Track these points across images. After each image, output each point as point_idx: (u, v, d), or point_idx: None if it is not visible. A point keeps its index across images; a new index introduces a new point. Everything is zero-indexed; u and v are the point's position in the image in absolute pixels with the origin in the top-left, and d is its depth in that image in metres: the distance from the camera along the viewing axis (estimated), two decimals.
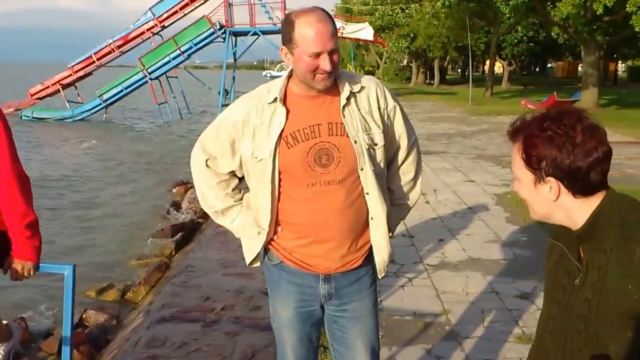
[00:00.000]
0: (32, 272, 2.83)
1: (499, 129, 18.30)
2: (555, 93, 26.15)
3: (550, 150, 1.48)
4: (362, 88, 2.32)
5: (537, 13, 26.09)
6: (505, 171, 10.88)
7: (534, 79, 60.82)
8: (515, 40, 48.73)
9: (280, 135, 2.24)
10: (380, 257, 2.41)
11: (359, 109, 2.29)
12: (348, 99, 2.27)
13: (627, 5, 18.54)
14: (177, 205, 10.22)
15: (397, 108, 2.41)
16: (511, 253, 6.11)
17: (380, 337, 4.16)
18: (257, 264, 2.51)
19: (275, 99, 2.25)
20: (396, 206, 2.51)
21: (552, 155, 1.48)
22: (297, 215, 2.32)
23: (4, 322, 3.01)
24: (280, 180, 2.29)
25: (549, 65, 76.82)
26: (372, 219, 2.34)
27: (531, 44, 50.39)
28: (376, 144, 2.31)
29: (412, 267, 5.67)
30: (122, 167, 15.46)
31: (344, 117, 2.26)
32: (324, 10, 2.19)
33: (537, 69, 76.52)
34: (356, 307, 2.44)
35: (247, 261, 2.50)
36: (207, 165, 2.43)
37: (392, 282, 5.26)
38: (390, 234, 2.48)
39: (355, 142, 2.25)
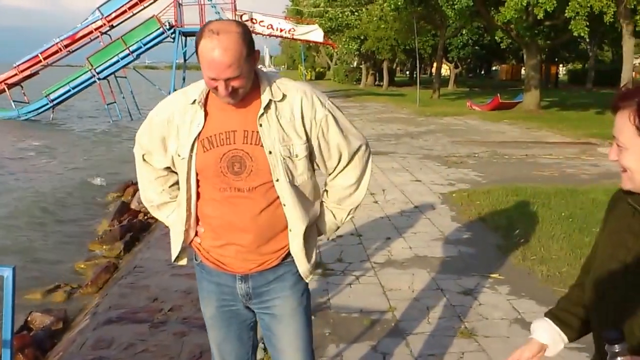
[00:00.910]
0: None
1: (446, 130, 18.66)
2: (498, 95, 26.86)
3: None
4: (285, 96, 2.21)
5: (482, 17, 26.61)
6: (450, 171, 11.12)
7: (479, 81, 62.00)
8: (461, 44, 49.72)
9: (198, 137, 2.21)
10: (300, 267, 2.37)
11: (278, 118, 2.19)
12: (267, 107, 2.18)
13: (567, 11, 19.13)
14: (126, 206, 10.10)
15: (330, 117, 2.28)
16: (456, 250, 6.26)
17: (327, 334, 4.25)
18: (183, 262, 2.52)
19: (195, 100, 2.22)
20: (331, 211, 2.45)
21: None
22: (212, 216, 2.32)
23: None
24: (198, 180, 2.29)
25: (493, 68, 78.41)
26: (290, 230, 2.29)
27: (476, 47, 51.50)
28: (296, 155, 2.22)
29: (360, 265, 5.76)
30: (69, 167, 15.18)
31: (260, 125, 2.17)
32: (234, 31, 2.03)
33: (483, 72, 78.04)
34: (278, 306, 2.40)
35: (172, 258, 2.49)
36: (144, 160, 2.44)
37: (340, 280, 5.35)
38: (328, 237, 2.52)
39: (270, 152, 2.18)
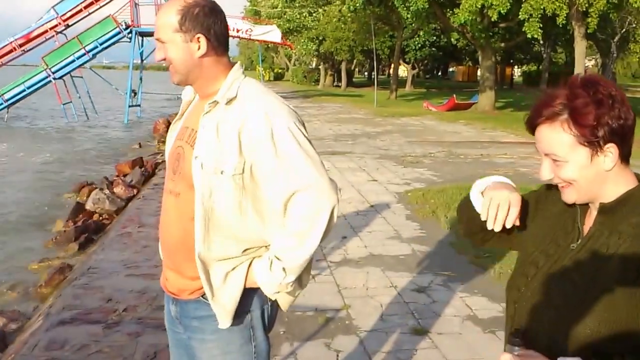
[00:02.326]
0: None
1: (403, 130, 18.88)
2: (454, 96, 27.32)
3: (604, 114, 1.36)
4: (233, 100, 1.95)
5: (437, 19, 27.01)
6: (406, 170, 11.27)
7: (436, 83, 62.90)
8: (418, 45, 50.28)
9: (179, 124, 2.18)
10: (209, 301, 1.99)
11: (218, 124, 1.93)
12: (211, 106, 1.96)
13: (520, 13, 19.53)
14: (81, 207, 9.95)
15: (267, 141, 1.90)
16: (410, 249, 6.37)
17: (281, 333, 4.29)
18: None
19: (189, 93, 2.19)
20: (269, 259, 1.96)
21: (606, 118, 1.36)
22: None
23: None
24: None
25: (450, 69, 79.52)
26: (196, 255, 1.95)
27: (433, 48, 52.15)
28: (221, 172, 1.90)
29: (315, 264, 5.79)
30: (23, 167, 14.86)
31: (202, 127, 1.96)
32: (179, 1, 1.95)
33: (440, 73, 79.03)
34: (197, 349, 2.09)
35: None
36: None
37: (291, 287, 5.37)
38: (268, 294, 2.01)
39: (196, 158, 1.93)
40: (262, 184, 1.94)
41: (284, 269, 1.93)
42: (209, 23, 1.94)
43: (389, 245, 6.49)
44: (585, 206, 1.49)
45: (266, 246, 2.02)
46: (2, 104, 27.61)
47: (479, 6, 20.29)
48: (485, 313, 4.70)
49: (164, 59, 1.97)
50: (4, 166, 15.14)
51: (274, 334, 4.28)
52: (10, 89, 27.75)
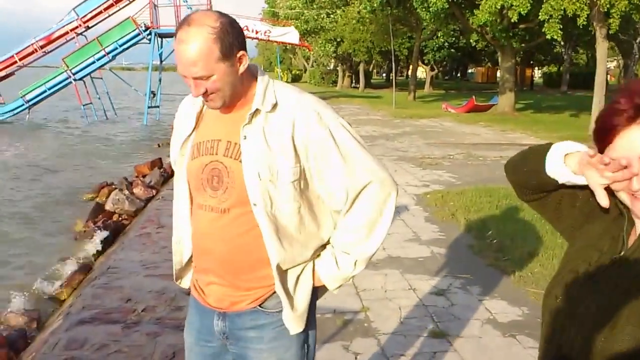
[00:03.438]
0: None
1: (421, 132, 18.79)
2: (474, 97, 27.12)
3: None
4: (276, 106, 1.90)
5: (457, 20, 26.87)
6: (425, 172, 11.22)
7: (455, 84, 62.56)
8: (437, 46, 50.07)
9: (187, 141, 2.03)
10: (284, 309, 1.99)
11: (264, 131, 1.87)
12: (253, 116, 1.88)
13: (540, 14, 19.36)
14: (100, 207, 10.03)
15: (329, 141, 1.89)
16: (429, 251, 6.33)
17: None
18: (184, 284, 2.24)
19: (197, 104, 2.05)
20: (335, 257, 2.01)
21: None
22: (193, 235, 2.08)
23: None
24: (191, 193, 2.06)
25: (469, 70, 79.17)
26: (275, 265, 1.95)
27: (452, 49, 51.93)
28: (279, 179, 1.87)
29: None
30: (44, 168, 15.01)
31: (244, 138, 1.88)
32: (208, 25, 1.78)
33: (459, 74, 78.72)
34: (252, 359, 2.06)
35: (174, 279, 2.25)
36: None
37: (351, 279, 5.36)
38: (332, 290, 2.07)
39: (250, 170, 1.87)
40: (327, 184, 1.95)
41: (355, 262, 1.99)
42: (239, 36, 1.85)
43: (407, 247, 6.46)
44: (632, 218, 1.43)
45: (323, 246, 2.05)
46: (23, 104, 27.97)
47: (499, 7, 20.14)
48: (505, 317, 4.66)
49: (214, 92, 1.85)
50: (25, 166, 15.29)
51: None
52: (32, 90, 28.09)
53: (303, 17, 43.08)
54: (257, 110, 1.88)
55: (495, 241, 6.55)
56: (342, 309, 4.77)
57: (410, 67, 45.85)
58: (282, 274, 1.96)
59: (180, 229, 2.12)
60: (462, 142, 16.31)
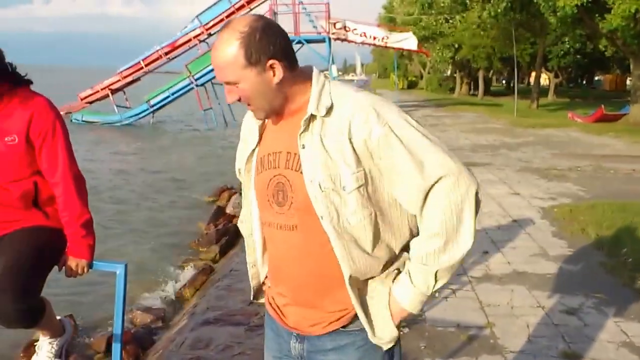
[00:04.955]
0: (85, 270, 2.92)
1: (545, 142, 18.03)
2: (602, 106, 25.65)
3: None
4: (331, 109, 1.74)
5: (585, 25, 25.65)
6: (551, 184, 10.71)
7: (581, 92, 59.75)
8: (562, 52, 47.97)
9: (253, 155, 1.92)
10: (366, 327, 1.82)
11: (322, 138, 1.72)
12: (308, 123, 1.74)
13: None
14: (221, 210, 10.33)
15: (392, 137, 1.70)
16: (557, 267, 6.00)
17: (422, 348, 4.16)
18: (263, 301, 2.11)
19: None
20: (409, 272, 1.80)
21: None
22: (268, 255, 1.99)
23: (57, 317, 3.09)
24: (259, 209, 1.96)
25: (596, 77, 75.41)
26: (347, 280, 1.79)
27: (578, 55, 49.54)
28: (343, 188, 1.70)
29: (456, 279, 5.61)
30: (167, 171, 15.71)
31: (302, 147, 1.74)
32: (237, 30, 1.70)
33: (584, 82, 75.20)
34: None
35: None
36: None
37: (435, 293, 5.22)
38: (412, 311, 1.81)
39: (311, 181, 1.72)
40: (398, 186, 1.74)
41: (436, 274, 1.74)
42: (274, 43, 1.70)
43: (534, 262, 6.16)
44: None
45: (402, 258, 1.85)
46: (147, 109, 29.41)
47: (633, 11, 19.02)
48: None
49: (239, 100, 1.76)
50: (146, 168, 16.05)
51: (414, 348, 4.19)
52: (156, 95, 29.52)
53: (421, 23, 42.65)
54: (312, 116, 1.73)
55: (630, 260, 6.12)
56: (466, 323, 4.61)
57: (533, 74, 44.29)
58: (359, 290, 1.80)
59: (253, 251, 2.03)
60: (590, 153, 15.48)
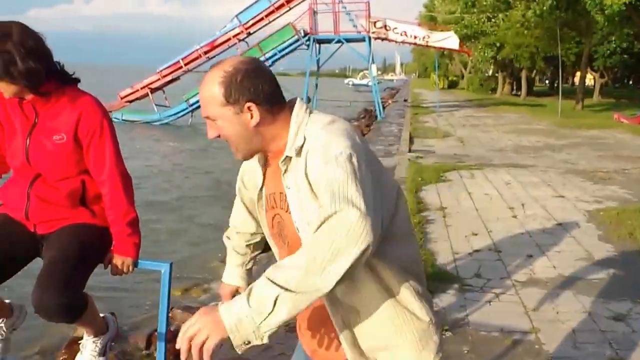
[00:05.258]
0: (130, 268, 2.93)
1: (591, 143, 17.66)
2: None
3: None
4: (301, 149, 1.72)
5: (633, 23, 25.03)
6: (596, 187, 10.48)
7: (628, 92, 58.34)
8: (608, 52, 46.92)
9: (261, 192, 1.97)
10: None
11: (295, 177, 1.72)
12: (285, 164, 1.75)
13: None
14: None
15: (322, 169, 1.60)
16: (604, 273, 5.86)
17: (465, 352, 4.10)
18: None
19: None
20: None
21: None
22: None
23: (101, 315, 3.11)
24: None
25: None
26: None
27: (625, 55, 48.38)
28: (308, 224, 1.68)
29: (500, 283, 5.52)
30: (206, 170, 15.83)
31: (287, 188, 1.75)
32: (221, 69, 1.74)
33: (631, 82, 73.44)
34: None
35: None
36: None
37: (479, 297, 5.15)
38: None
39: (295, 221, 1.75)
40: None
41: (276, 297, 1.47)
42: (256, 87, 1.72)
43: (580, 267, 6.02)
44: None
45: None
46: (187, 108, 29.56)
47: None
48: None
49: (219, 137, 1.80)
50: (187, 168, 16.21)
51: (457, 352, 4.13)
52: (195, 94, 29.62)
53: (463, 22, 42.14)
54: (287, 158, 1.74)
55: None
56: (510, 327, 4.53)
57: (577, 74, 43.42)
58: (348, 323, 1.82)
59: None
60: (637, 155, 15.11)
